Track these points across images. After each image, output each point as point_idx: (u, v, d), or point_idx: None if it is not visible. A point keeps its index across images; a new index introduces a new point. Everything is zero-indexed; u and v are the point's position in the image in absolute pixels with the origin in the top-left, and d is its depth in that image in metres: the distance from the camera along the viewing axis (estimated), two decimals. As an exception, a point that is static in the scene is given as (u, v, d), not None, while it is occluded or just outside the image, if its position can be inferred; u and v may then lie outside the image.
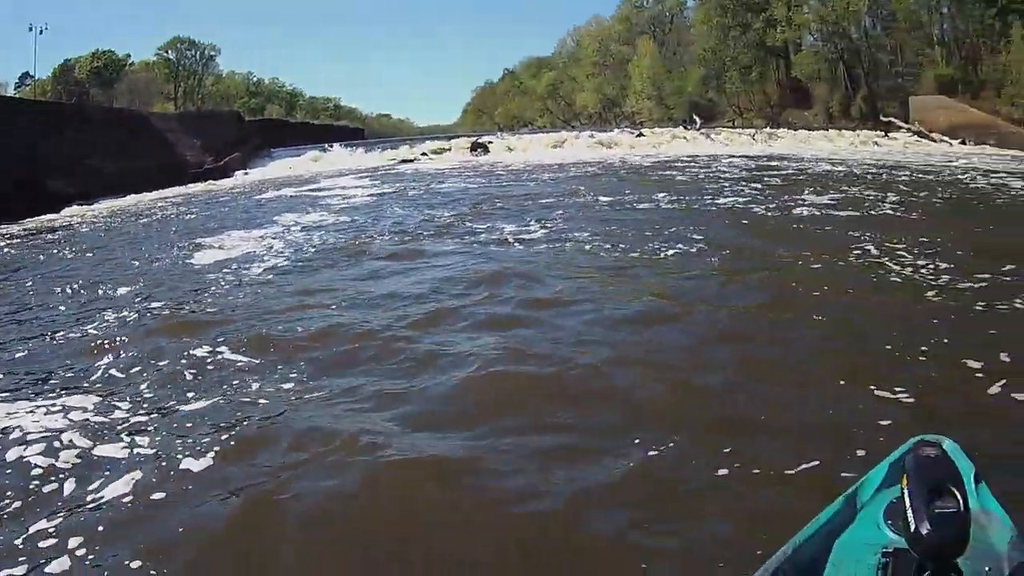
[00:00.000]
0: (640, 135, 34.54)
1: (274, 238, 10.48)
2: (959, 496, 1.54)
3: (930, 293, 5.86)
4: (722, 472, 3.08)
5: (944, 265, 6.69)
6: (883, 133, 33.22)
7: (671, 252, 7.95)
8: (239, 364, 4.75)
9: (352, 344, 4.99)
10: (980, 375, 4.03)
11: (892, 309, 5.49)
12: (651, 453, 3.27)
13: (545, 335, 5.07)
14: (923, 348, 4.44)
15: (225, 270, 8.18)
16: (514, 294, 6.21)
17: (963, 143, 30.82)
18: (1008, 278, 6.11)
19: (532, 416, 3.75)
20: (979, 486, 2.38)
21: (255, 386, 4.35)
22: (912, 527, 1.53)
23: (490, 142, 33.81)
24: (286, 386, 4.33)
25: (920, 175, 17.25)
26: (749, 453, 3.20)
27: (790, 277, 6.67)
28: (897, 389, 3.80)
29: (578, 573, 2.63)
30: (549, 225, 10.19)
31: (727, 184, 15.46)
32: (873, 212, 10.82)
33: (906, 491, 1.58)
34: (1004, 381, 3.86)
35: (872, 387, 3.85)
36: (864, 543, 2.02)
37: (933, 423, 3.31)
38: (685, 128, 36.87)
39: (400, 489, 3.09)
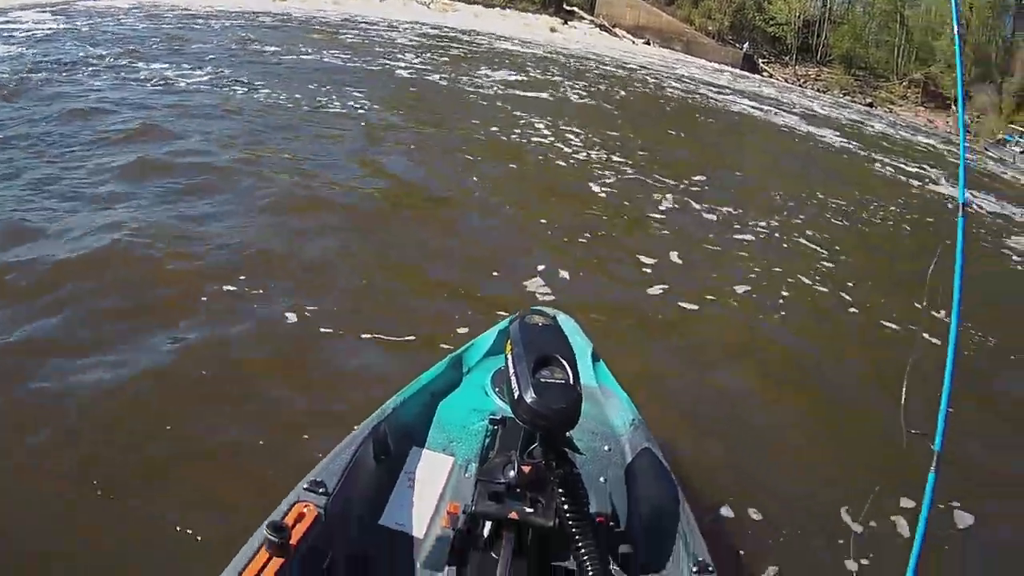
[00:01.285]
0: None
1: None
2: (567, 368, 1.52)
3: (594, 171, 7.76)
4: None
5: (614, 156, 8.53)
6: (563, 20, 32.90)
7: (337, 105, 9.01)
8: None
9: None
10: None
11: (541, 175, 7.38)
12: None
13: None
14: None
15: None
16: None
17: (647, 43, 31.45)
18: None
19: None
20: (597, 364, 2.48)
21: None
22: (515, 394, 1.49)
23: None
24: None
25: (606, 67, 18.62)
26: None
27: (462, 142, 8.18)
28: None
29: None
30: (216, 71, 10.49)
31: (407, 50, 16.23)
32: (546, 96, 12.16)
33: (510, 357, 1.55)
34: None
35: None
36: (470, 408, 2.05)
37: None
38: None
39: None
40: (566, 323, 2.45)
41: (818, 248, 6.95)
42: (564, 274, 5.05)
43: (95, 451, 2.63)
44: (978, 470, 3.72)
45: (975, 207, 10.33)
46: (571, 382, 1.51)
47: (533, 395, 1.47)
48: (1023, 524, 3.31)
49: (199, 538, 2.31)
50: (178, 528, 2.34)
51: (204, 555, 2.14)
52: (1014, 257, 8.59)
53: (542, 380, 1.49)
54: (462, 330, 3.82)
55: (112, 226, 4.45)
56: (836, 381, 4.45)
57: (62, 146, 5.99)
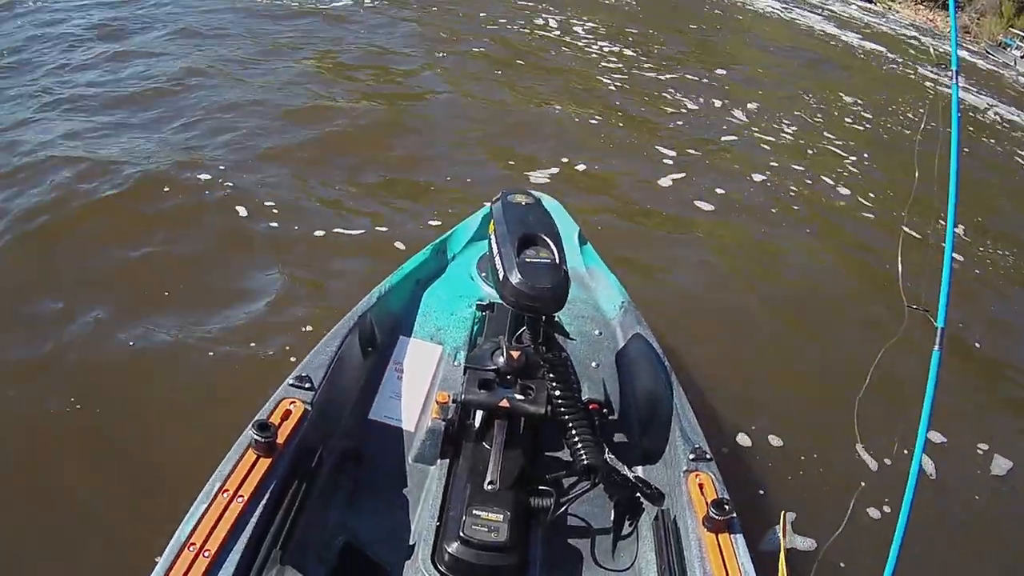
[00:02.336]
0: None
1: None
2: (553, 247, 1.50)
3: (606, 63, 7.50)
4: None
5: (626, 51, 8.22)
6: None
7: None
8: None
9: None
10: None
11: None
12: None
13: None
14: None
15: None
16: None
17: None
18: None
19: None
20: (584, 247, 2.42)
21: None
22: (500, 275, 1.47)
23: None
24: None
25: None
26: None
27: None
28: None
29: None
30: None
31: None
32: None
33: (494, 238, 1.53)
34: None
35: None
36: (456, 294, 2.02)
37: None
38: None
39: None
40: (551, 205, 2.37)
41: (814, 134, 6.81)
42: (565, 159, 4.94)
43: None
44: (981, 346, 3.78)
45: (969, 102, 10.10)
46: (557, 261, 1.47)
47: (519, 276, 1.43)
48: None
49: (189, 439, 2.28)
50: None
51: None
52: (1008, 144, 8.48)
53: (527, 260, 1.45)
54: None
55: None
56: (833, 266, 4.42)
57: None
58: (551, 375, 1.58)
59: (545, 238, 1.50)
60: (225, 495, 1.31)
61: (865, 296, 4.02)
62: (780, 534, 1.47)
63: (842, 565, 2.20)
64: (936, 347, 1.55)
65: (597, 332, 2.09)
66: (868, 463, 2.64)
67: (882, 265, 4.24)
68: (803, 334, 3.58)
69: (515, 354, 1.60)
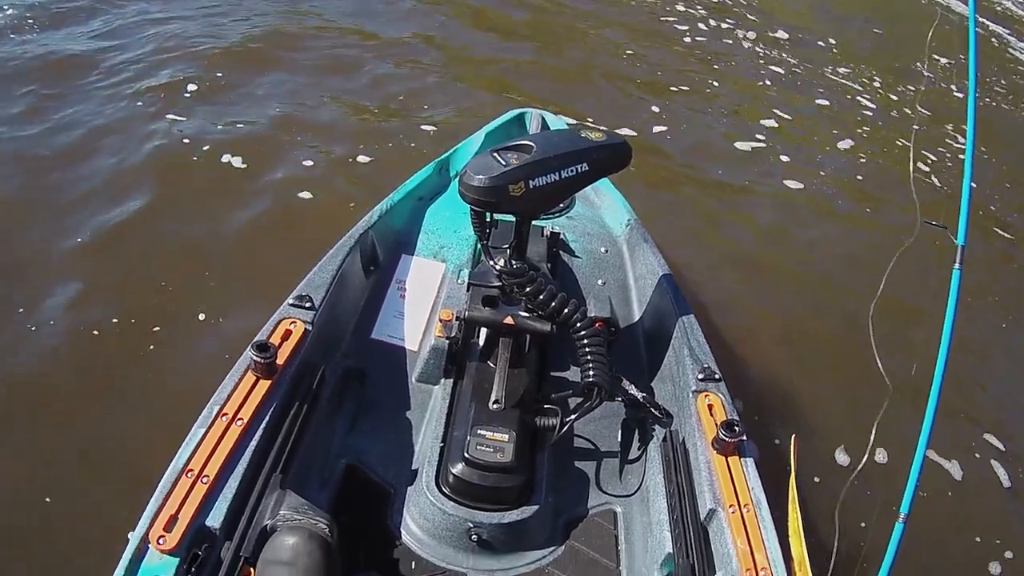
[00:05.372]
0: None
1: None
2: (530, 159, 1.43)
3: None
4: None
5: None
6: None
7: None
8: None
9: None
10: None
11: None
12: None
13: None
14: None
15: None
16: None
17: None
18: None
19: None
20: None
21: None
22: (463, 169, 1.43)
23: None
24: None
25: None
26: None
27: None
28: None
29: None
30: None
31: None
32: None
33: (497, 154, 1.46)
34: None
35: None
36: (459, 212, 1.97)
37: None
38: None
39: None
40: (555, 122, 2.33)
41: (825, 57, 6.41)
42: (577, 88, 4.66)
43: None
44: (1002, 263, 3.67)
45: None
46: (516, 164, 1.40)
47: (472, 165, 1.39)
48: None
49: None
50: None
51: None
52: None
53: (492, 155, 1.41)
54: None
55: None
56: (848, 179, 4.24)
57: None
58: (552, 288, 1.53)
59: (530, 148, 1.43)
60: (224, 419, 1.29)
61: (880, 213, 3.88)
62: (791, 458, 1.43)
63: (857, 491, 2.19)
64: (956, 265, 1.47)
65: (603, 250, 2.04)
66: (884, 386, 2.60)
67: (897, 184, 4.07)
68: (816, 255, 3.47)
69: (516, 264, 1.55)
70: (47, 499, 1.85)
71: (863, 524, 2.07)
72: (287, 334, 1.48)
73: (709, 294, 2.88)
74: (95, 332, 2.30)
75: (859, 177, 4.30)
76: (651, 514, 1.51)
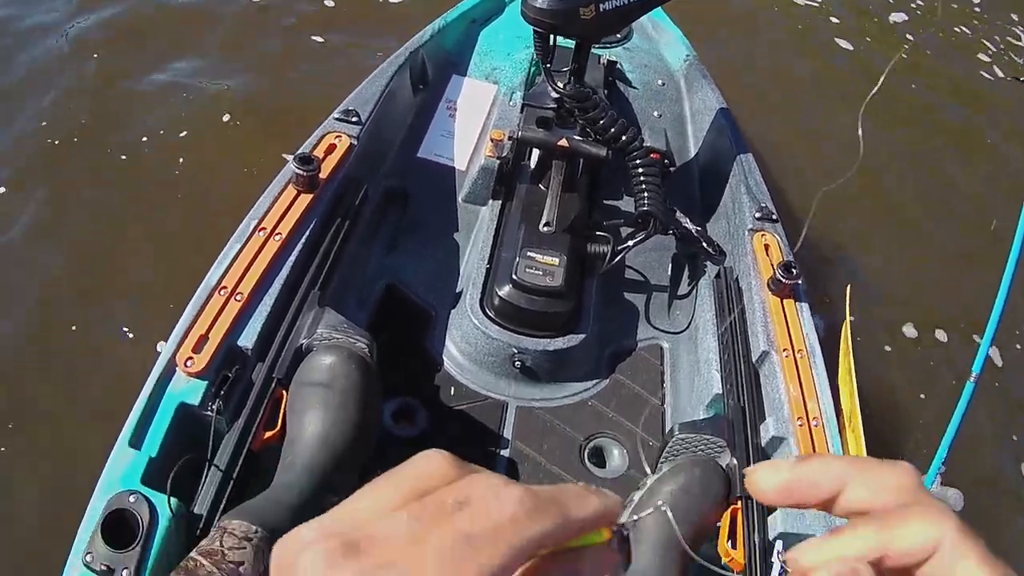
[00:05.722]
0: None
1: None
2: None
3: None
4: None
5: None
6: None
7: None
8: None
9: None
10: None
11: None
12: None
13: None
14: None
15: None
16: None
17: None
18: None
19: None
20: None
21: None
22: None
23: None
24: None
25: None
26: None
27: None
28: None
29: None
30: None
31: None
32: None
33: None
34: None
35: None
36: (514, 34, 1.93)
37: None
38: None
39: None
40: None
41: None
42: None
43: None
44: None
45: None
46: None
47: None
48: None
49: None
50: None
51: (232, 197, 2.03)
52: None
53: None
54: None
55: None
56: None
57: None
58: (612, 113, 1.44)
59: None
60: (262, 233, 1.24)
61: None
62: (846, 307, 1.33)
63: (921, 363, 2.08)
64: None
65: (660, 82, 1.93)
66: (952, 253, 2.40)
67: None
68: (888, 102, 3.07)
69: (567, 86, 1.44)
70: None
71: (922, 395, 2.00)
72: (331, 148, 1.41)
73: (766, 129, 2.65)
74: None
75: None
76: (699, 352, 1.47)
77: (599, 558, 0.28)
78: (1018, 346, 2.23)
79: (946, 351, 2.15)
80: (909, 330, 2.20)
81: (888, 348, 2.14)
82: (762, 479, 0.32)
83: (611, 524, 0.29)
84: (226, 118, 2.36)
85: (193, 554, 0.84)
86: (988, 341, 1.17)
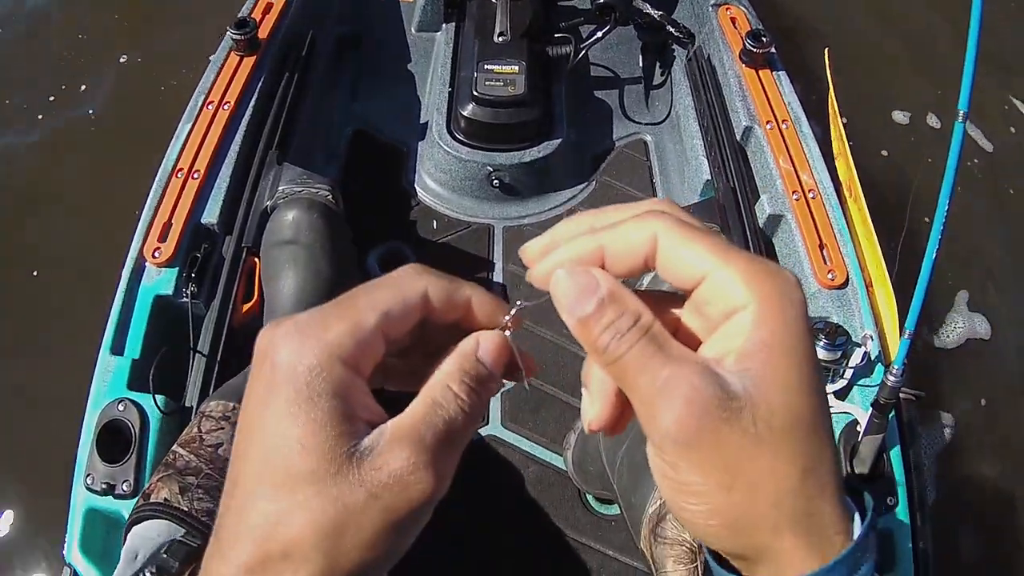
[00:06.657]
0: None
1: None
2: None
3: None
4: None
5: None
6: None
7: None
8: None
9: None
10: None
11: None
12: None
13: None
14: None
15: None
16: None
17: None
18: None
19: None
20: None
21: None
22: None
23: None
24: None
25: None
26: None
27: None
28: None
29: None
30: None
31: None
32: None
33: None
34: None
35: None
36: None
37: None
38: None
39: None
40: None
41: None
42: None
43: None
44: None
45: None
46: None
47: None
48: None
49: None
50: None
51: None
52: None
53: None
54: None
55: None
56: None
57: None
58: None
59: None
60: (210, 107, 1.21)
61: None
62: (827, 73, 1.23)
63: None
64: None
65: None
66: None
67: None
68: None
69: None
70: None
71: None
72: (268, 7, 1.34)
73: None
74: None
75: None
76: (684, 140, 1.41)
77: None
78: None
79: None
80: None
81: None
82: (529, 248, 0.31)
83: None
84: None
85: (174, 447, 0.83)
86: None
